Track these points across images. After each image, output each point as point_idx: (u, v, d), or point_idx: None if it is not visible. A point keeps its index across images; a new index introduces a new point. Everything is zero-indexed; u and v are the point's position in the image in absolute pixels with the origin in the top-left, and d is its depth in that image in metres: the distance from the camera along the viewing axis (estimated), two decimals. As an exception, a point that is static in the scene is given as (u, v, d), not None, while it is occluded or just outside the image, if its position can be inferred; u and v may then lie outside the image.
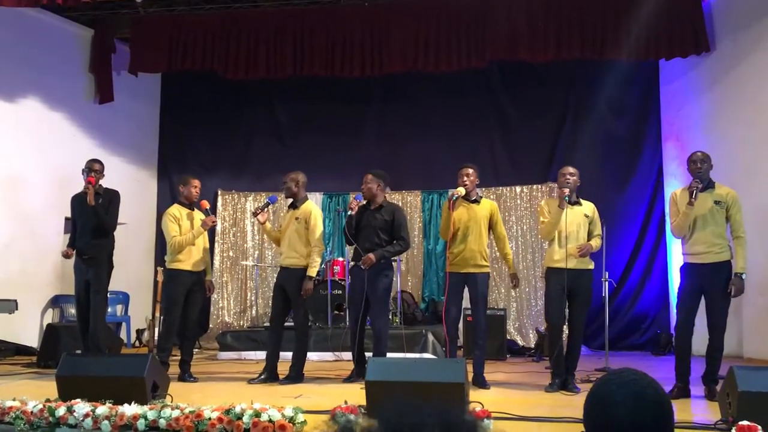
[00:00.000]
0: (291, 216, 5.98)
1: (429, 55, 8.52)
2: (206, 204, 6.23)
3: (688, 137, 8.44)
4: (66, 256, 6.22)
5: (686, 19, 8.05)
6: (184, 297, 6.05)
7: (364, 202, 5.90)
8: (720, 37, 8.08)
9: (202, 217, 6.17)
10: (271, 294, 6.42)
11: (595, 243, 5.42)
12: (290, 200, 6.16)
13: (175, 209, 6.18)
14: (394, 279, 8.68)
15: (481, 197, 5.80)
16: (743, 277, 4.89)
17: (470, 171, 5.64)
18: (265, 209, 6.10)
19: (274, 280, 6.38)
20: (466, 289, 5.66)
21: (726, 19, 8.02)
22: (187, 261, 6.05)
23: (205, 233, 6.25)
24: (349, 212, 5.86)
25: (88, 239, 6.12)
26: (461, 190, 5.54)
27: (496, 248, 8.88)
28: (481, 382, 5.44)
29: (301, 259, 5.88)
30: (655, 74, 9.04)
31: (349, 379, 5.79)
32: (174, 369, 5.98)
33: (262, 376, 5.78)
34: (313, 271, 5.82)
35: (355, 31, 8.72)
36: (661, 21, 7.98)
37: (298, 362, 5.88)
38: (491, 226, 5.70)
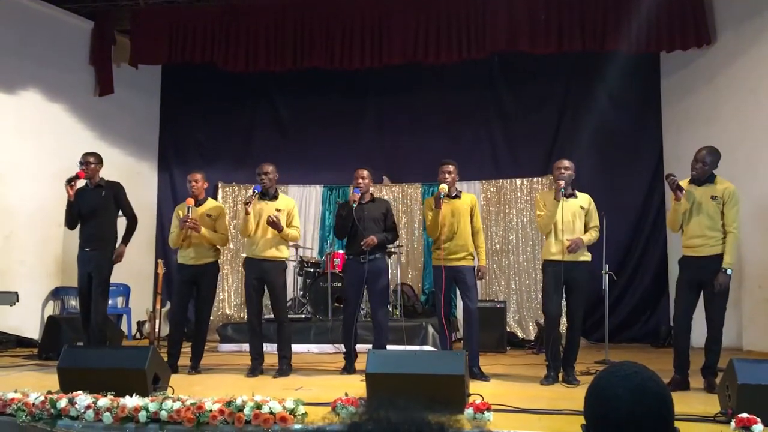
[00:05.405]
0: (270, 208, 5.91)
1: (429, 47, 8.50)
2: (190, 202, 6.10)
3: (688, 130, 8.43)
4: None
5: (687, 11, 8.02)
6: (188, 289, 6.15)
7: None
8: (721, 30, 8.05)
9: (205, 211, 6.20)
10: None
11: (591, 235, 5.43)
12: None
13: (182, 204, 6.27)
14: (395, 272, 8.81)
15: (461, 191, 5.85)
16: (728, 272, 4.89)
17: (451, 168, 5.72)
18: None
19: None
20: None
21: (727, 12, 8.00)
22: (183, 254, 6.17)
23: (218, 227, 6.21)
24: (354, 204, 5.88)
25: (91, 231, 6.15)
26: (444, 187, 5.62)
27: (496, 240, 9.22)
28: (477, 375, 5.46)
29: (282, 251, 5.98)
30: (656, 66, 8.99)
31: (344, 372, 5.87)
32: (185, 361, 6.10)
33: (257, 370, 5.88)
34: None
35: (355, 23, 8.69)
36: (663, 13, 7.96)
37: (287, 353, 5.94)
38: (471, 218, 5.78)
